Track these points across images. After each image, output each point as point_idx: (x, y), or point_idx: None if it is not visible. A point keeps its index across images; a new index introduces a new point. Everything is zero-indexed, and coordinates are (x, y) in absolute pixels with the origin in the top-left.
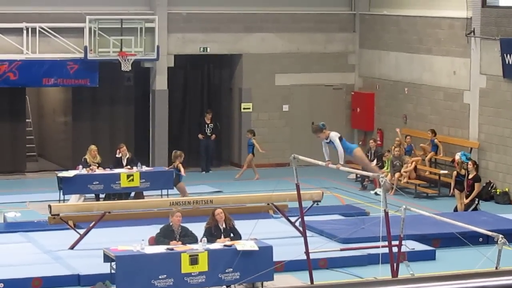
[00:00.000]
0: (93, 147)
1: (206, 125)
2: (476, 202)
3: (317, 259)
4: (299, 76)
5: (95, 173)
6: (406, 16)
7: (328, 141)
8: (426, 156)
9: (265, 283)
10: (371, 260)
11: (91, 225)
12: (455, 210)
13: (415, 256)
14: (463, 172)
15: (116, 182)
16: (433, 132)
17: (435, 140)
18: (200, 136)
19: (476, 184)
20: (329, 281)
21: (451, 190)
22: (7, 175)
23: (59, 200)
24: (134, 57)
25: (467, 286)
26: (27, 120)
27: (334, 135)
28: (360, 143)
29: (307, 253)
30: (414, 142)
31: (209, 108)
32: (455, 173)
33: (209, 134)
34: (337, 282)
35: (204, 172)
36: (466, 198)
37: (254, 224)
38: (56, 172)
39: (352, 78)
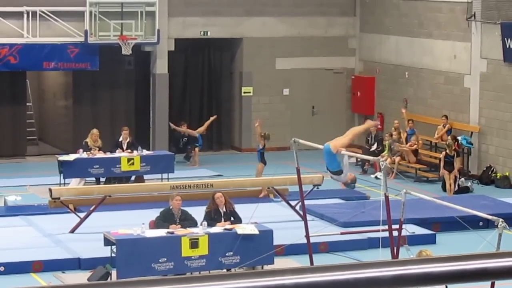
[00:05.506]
0: (95, 131)
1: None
2: (458, 176)
3: (318, 242)
4: (300, 60)
5: (95, 157)
6: (407, 0)
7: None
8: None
9: (265, 267)
10: (372, 244)
11: (91, 208)
12: (444, 189)
13: (415, 240)
14: (452, 152)
15: (117, 166)
16: (446, 118)
17: (448, 125)
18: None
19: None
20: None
21: (440, 170)
22: (7, 158)
23: (60, 184)
24: (135, 41)
25: (468, 267)
26: (27, 104)
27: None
28: None
29: (307, 236)
30: (416, 126)
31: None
32: (443, 153)
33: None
34: (337, 264)
35: None
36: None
37: (255, 208)
38: (56, 155)
39: (353, 62)
